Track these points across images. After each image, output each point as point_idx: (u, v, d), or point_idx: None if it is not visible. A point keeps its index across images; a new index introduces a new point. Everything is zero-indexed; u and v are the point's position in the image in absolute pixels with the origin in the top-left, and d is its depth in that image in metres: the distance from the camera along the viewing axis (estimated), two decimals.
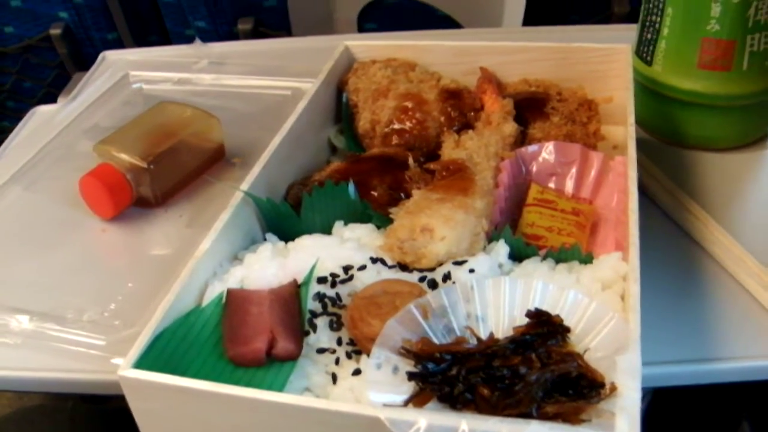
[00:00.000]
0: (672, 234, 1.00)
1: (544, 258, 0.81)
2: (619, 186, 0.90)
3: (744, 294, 0.91)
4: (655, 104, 1.18)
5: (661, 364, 0.83)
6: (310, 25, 1.99)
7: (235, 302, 0.75)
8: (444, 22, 1.97)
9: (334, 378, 0.70)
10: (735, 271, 0.93)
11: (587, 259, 0.80)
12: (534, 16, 1.84)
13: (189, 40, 1.52)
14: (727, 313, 0.89)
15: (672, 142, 1.18)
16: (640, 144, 1.14)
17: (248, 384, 0.65)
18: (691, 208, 1.02)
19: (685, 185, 1.07)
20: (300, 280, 0.78)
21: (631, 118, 0.93)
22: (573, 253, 0.81)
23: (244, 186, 0.85)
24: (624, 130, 0.94)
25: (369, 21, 2.01)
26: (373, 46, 1.15)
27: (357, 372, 0.69)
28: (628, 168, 0.85)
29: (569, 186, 0.96)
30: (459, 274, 0.76)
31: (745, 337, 0.86)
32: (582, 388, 0.63)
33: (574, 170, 0.96)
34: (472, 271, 0.76)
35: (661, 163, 1.11)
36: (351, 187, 0.88)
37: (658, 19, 1.12)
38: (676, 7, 1.09)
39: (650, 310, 0.86)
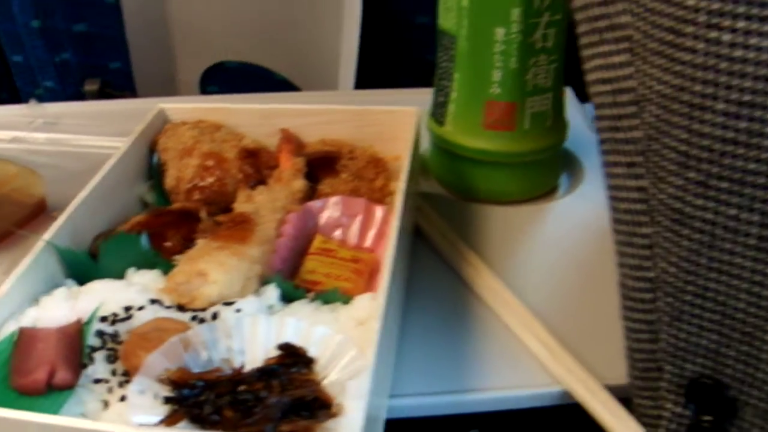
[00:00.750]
0: (449, 281, 1.11)
1: (313, 300, 0.91)
2: None
3: (507, 332, 1.01)
4: (449, 162, 1.29)
5: (423, 395, 0.93)
6: (154, 86, 2.07)
7: (24, 339, 0.82)
8: (282, 85, 2.06)
9: (106, 404, 0.78)
10: (501, 312, 1.04)
11: (347, 300, 0.90)
12: (367, 79, 1.94)
13: (39, 99, 1.59)
14: (489, 348, 0.99)
15: (465, 197, 1.29)
16: (435, 199, 1.26)
17: (28, 409, 0.71)
18: (468, 256, 1.12)
19: (470, 237, 1.18)
20: (86, 320, 0.86)
21: (404, 175, 1.02)
22: (334, 295, 0.91)
23: (47, 236, 0.93)
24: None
25: (211, 84, 2.09)
26: (186, 108, 1.23)
27: (123, 398, 0.77)
28: (391, 219, 0.95)
29: (354, 237, 1.06)
30: (226, 313, 0.85)
31: (505, 370, 0.97)
32: (315, 410, 0.73)
33: (358, 222, 1.06)
34: (239, 311, 0.85)
35: (450, 217, 1.22)
36: (144, 238, 0.96)
37: (448, 83, 1.23)
38: (462, 72, 1.21)
39: (419, 345, 0.98)
